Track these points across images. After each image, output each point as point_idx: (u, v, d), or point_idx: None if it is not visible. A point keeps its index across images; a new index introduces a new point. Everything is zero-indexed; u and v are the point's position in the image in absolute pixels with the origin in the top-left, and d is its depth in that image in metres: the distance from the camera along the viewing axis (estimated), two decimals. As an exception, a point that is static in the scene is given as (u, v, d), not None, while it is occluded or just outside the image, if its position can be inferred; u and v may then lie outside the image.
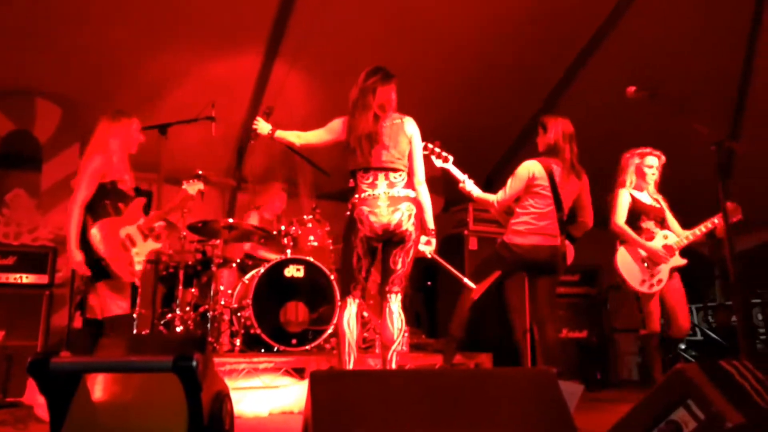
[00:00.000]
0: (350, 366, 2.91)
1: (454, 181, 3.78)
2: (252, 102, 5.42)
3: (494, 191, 3.80)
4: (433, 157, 3.64)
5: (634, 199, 4.00)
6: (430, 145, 3.62)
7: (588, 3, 5.05)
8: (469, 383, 1.42)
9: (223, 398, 1.26)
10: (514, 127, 6.25)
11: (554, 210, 3.60)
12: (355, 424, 1.23)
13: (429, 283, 5.79)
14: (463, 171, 3.77)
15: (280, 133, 3.15)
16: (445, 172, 3.76)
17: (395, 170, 3.05)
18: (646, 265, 3.90)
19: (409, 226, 2.99)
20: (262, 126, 3.16)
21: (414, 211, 3.02)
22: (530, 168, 3.63)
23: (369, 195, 3.00)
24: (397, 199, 2.99)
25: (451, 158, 3.71)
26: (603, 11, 5.17)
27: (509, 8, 4.98)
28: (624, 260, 3.93)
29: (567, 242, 3.67)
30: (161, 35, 4.68)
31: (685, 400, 1.57)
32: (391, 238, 3.01)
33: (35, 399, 3.15)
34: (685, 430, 1.56)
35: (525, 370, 2.23)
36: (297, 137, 3.16)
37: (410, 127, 3.14)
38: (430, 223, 3.15)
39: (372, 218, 2.96)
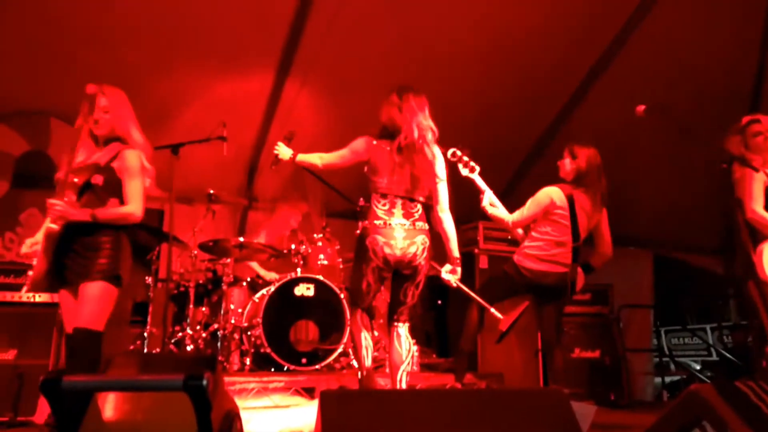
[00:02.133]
0: (368, 362, 2.93)
1: (475, 193, 3.74)
2: (263, 121, 5.47)
3: (512, 201, 3.78)
4: (459, 166, 3.58)
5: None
6: (458, 153, 3.58)
7: (598, 20, 5.07)
8: (480, 403, 1.41)
9: (233, 418, 1.25)
10: (522, 147, 6.26)
11: (570, 239, 3.56)
12: (365, 444, 1.23)
13: (439, 302, 5.77)
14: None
15: (301, 157, 3.11)
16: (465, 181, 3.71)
17: (414, 199, 3.01)
18: None
19: (422, 260, 2.97)
20: (284, 151, 3.13)
21: (427, 244, 3.00)
22: (551, 194, 3.58)
23: (384, 223, 2.94)
24: (413, 232, 2.95)
25: (477, 168, 3.65)
26: (613, 28, 5.19)
27: (518, 25, 5.01)
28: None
29: (579, 269, 3.61)
30: (173, 55, 4.75)
31: (700, 422, 1.55)
32: (402, 270, 2.99)
33: (47, 417, 3.16)
34: (701, 453, 1.54)
35: (536, 390, 2.21)
36: (319, 159, 3.11)
37: (439, 162, 3.08)
38: (455, 252, 3.13)
39: (387, 250, 2.92)
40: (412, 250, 2.93)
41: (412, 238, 2.94)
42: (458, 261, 3.16)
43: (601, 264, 3.75)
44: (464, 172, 3.62)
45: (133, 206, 2.79)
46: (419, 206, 3.04)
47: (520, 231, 3.80)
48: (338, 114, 5.47)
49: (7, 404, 3.56)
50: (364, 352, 2.95)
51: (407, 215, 2.97)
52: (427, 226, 3.04)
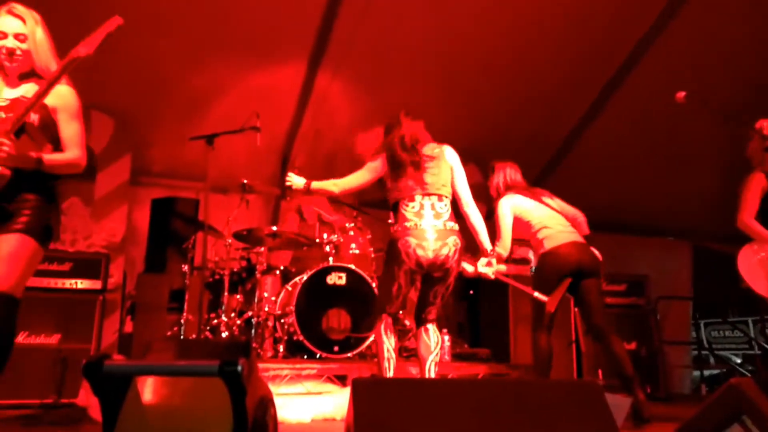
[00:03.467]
0: (390, 372, 2.92)
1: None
2: (296, 112, 5.51)
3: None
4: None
5: None
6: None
7: (632, 9, 4.94)
8: (512, 394, 1.40)
9: (267, 403, 1.28)
10: (554, 139, 6.17)
11: (556, 212, 3.61)
12: (397, 430, 1.23)
13: (471, 292, 5.75)
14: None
15: (315, 185, 3.13)
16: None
17: (440, 197, 3.02)
18: None
19: (453, 263, 2.98)
20: (296, 181, 3.16)
21: (459, 246, 2.99)
22: (503, 203, 3.66)
23: (416, 225, 2.94)
24: (444, 233, 2.95)
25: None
26: (649, 16, 5.05)
27: (550, 15, 4.92)
28: (746, 261, 3.44)
29: (592, 248, 3.60)
30: (207, 47, 4.81)
31: (740, 416, 1.51)
32: (434, 273, 2.99)
33: (89, 400, 3.26)
34: (741, 447, 1.50)
35: (570, 382, 2.19)
36: (334, 185, 3.13)
37: (450, 155, 3.14)
38: (486, 244, 3.13)
39: (420, 252, 2.91)
40: (444, 251, 2.93)
41: (444, 239, 2.94)
42: (493, 253, 3.16)
43: (586, 228, 3.73)
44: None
45: (78, 152, 2.35)
46: (447, 205, 3.05)
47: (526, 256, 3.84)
48: (371, 104, 5.47)
49: (51, 387, 3.69)
50: (386, 364, 2.94)
51: (437, 216, 2.98)
52: (457, 227, 3.04)
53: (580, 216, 3.73)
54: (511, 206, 3.65)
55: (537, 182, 6.49)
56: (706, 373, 6.84)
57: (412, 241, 2.92)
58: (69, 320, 3.93)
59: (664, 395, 5.24)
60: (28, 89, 2.28)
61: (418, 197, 3.00)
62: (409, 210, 2.99)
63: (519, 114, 5.70)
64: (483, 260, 3.16)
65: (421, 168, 3.02)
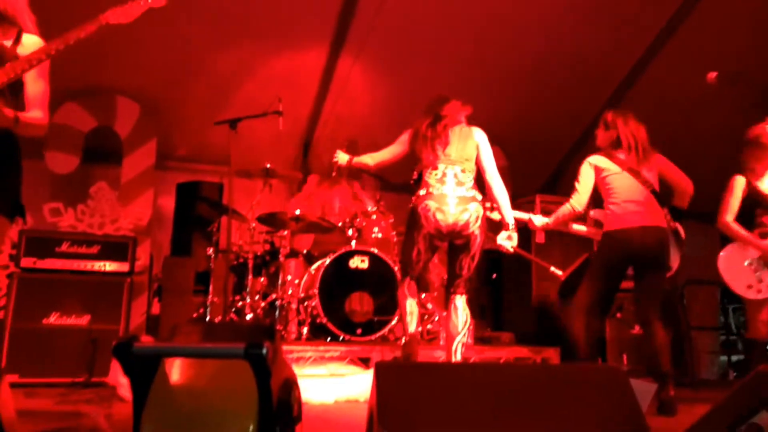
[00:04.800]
0: (413, 326, 3.00)
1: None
2: (318, 95, 5.51)
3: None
4: (487, 213, 3.41)
5: (754, 188, 3.53)
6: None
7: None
8: (537, 378, 1.40)
9: (291, 385, 1.30)
10: (582, 119, 6.06)
11: (640, 191, 3.28)
12: (420, 415, 1.24)
13: (494, 275, 5.73)
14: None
15: (356, 159, 3.40)
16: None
17: (464, 170, 3.06)
18: (753, 267, 3.48)
19: (475, 228, 2.98)
20: (341, 157, 3.41)
21: (481, 213, 3.01)
22: (590, 161, 3.41)
23: (438, 191, 3.00)
24: (465, 199, 2.99)
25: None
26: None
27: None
28: (727, 260, 3.52)
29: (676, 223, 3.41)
30: (231, 32, 4.83)
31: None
32: (455, 240, 3.01)
33: (118, 379, 3.35)
34: (768, 434, 1.48)
35: (594, 367, 2.17)
36: (371, 158, 3.37)
37: (478, 134, 3.19)
38: (509, 217, 3.13)
39: (439, 216, 2.96)
40: (465, 217, 2.95)
41: (465, 204, 2.97)
42: (513, 226, 3.13)
43: (687, 201, 3.48)
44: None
45: (43, 113, 2.06)
46: (471, 176, 3.09)
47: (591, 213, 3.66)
48: (393, 87, 5.45)
49: (82, 366, 3.79)
50: (408, 317, 3.03)
51: (459, 183, 3.03)
52: (480, 197, 3.07)
53: (682, 185, 3.43)
54: (596, 165, 3.37)
55: (564, 163, 6.43)
56: (735, 358, 6.73)
57: (432, 204, 2.97)
58: (98, 302, 4.02)
59: (691, 381, 5.18)
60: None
61: (441, 166, 3.07)
62: (432, 177, 3.05)
63: (546, 95, 5.62)
64: (503, 233, 3.15)
65: (446, 143, 3.10)
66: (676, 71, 5.15)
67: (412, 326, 3.03)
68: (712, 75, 2.88)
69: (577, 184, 3.40)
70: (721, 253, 3.57)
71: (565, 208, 3.40)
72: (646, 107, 5.69)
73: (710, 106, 4.98)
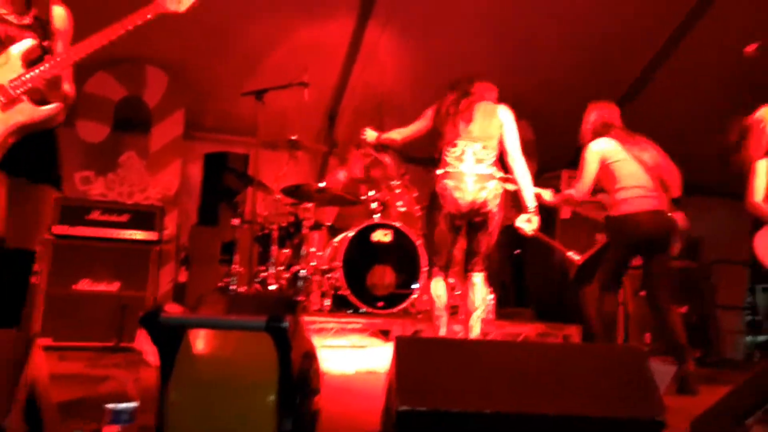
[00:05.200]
0: (443, 329, 3.00)
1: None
2: (344, 65, 5.47)
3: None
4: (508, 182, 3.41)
5: None
6: (501, 174, 3.49)
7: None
8: (554, 357, 1.41)
9: (311, 358, 1.33)
10: (612, 92, 5.90)
11: (643, 175, 3.39)
12: (437, 389, 1.26)
13: (517, 251, 5.71)
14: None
15: (384, 136, 3.45)
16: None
17: (484, 147, 3.03)
18: None
19: (493, 207, 2.97)
20: (370, 134, 3.48)
21: (500, 191, 3.00)
22: (593, 146, 3.45)
23: (455, 170, 2.99)
24: (484, 177, 2.98)
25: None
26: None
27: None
28: (763, 240, 3.51)
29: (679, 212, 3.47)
30: (258, 1, 4.79)
31: (789, 389, 1.48)
32: (474, 218, 3.01)
33: (144, 346, 3.45)
34: (789, 419, 1.47)
35: (613, 347, 2.17)
36: (398, 134, 3.40)
37: (504, 113, 3.13)
38: (529, 201, 3.11)
39: (457, 194, 2.96)
40: (483, 195, 2.95)
41: (483, 182, 2.97)
42: (535, 210, 3.12)
43: (678, 189, 3.53)
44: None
45: (73, 88, 2.20)
46: (491, 155, 3.05)
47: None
48: (421, 56, 5.38)
49: (111, 331, 3.91)
50: (437, 321, 3.03)
51: (478, 161, 3.01)
52: (500, 174, 3.05)
53: (674, 174, 3.51)
54: (601, 153, 3.43)
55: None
56: (762, 338, 6.63)
57: (450, 183, 2.98)
58: (127, 269, 4.12)
59: (715, 360, 5.14)
60: (35, 8, 2.13)
61: (460, 143, 3.04)
62: (450, 155, 3.04)
63: (576, 66, 5.49)
64: (523, 216, 3.14)
65: (469, 120, 3.06)
66: (714, 42, 4.97)
67: (443, 329, 3.02)
68: (752, 47, 2.78)
69: (581, 171, 3.46)
70: (758, 233, 3.53)
71: (566, 193, 3.55)
72: (682, 79, 5.56)
73: (739, 86, 4.82)
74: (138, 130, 5.41)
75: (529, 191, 3.12)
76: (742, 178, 3.56)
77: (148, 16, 2.12)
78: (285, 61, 4.91)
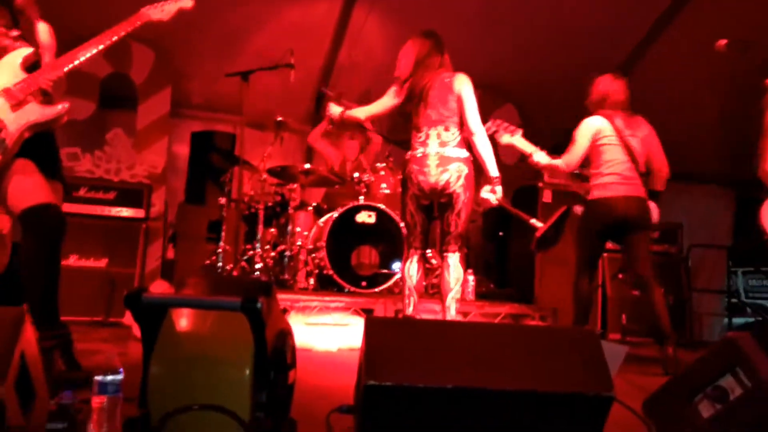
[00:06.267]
0: (410, 309, 3.11)
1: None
2: (331, 47, 5.49)
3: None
4: (500, 130, 3.53)
5: None
6: (498, 121, 3.55)
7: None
8: (513, 337, 1.51)
9: (286, 336, 1.42)
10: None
11: (630, 160, 3.46)
12: (403, 366, 1.36)
13: (501, 233, 5.82)
14: (533, 141, 3.66)
15: (348, 113, 3.43)
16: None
17: (446, 127, 3.10)
18: None
19: (457, 187, 3.05)
20: (334, 110, 3.46)
21: (465, 172, 3.07)
22: (590, 122, 3.51)
23: (420, 153, 3.10)
24: (447, 159, 3.06)
25: (519, 132, 3.59)
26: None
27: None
28: None
29: (650, 201, 3.52)
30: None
31: (734, 368, 1.59)
32: (440, 199, 3.11)
33: (133, 321, 3.53)
34: (731, 396, 1.58)
35: (566, 329, 2.29)
36: (362, 112, 3.42)
37: (458, 83, 3.16)
38: (492, 170, 3.18)
39: (420, 177, 3.07)
40: (445, 177, 3.04)
41: (446, 165, 3.05)
42: (497, 180, 3.20)
43: (662, 185, 3.60)
44: (505, 138, 3.50)
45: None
46: (455, 134, 3.12)
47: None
48: (407, 38, 5.39)
49: (100, 307, 3.99)
50: (406, 300, 3.15)
51: (442, 144, 3.09)
52: (465, 154, 3.12)
53: (662, 166, 3.55)
54: (594, 130, 3.49)
55: (576, 126, 6.40)
56: (742, 321, 6.81)
57: (415, 167, 3.10)
58: (115, 246, 4.20)
59: (690, 342, 5.31)
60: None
61: (424, 128, 3.14)
62: (417, 140, 3.15)
63: (562, 50, 5.54)
64: (486, 187, 3.23)
65: (429, 102, 3.13)
66: (697, 31, 5.03)
67: (410, 308, 3.13)
68: (722, 42, 2.86)
69: (572, 144, 3.53)
70: (765, 203, 3.46)
71: (555, 162, 3.57)
72: (664, 67, 5.63)
73: (723, 73, 4.90)
74: (125, 107, 5.41)
75: (491, 162, 3.17)
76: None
77: (138, 24, 2.31)
78: (272, 42, 4.93)
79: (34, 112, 2.16)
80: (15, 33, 2.28)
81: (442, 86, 3.14)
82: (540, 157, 3.56)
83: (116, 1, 2.38)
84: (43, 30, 2.34)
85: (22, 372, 1.22)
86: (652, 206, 3.54)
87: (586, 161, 3.61)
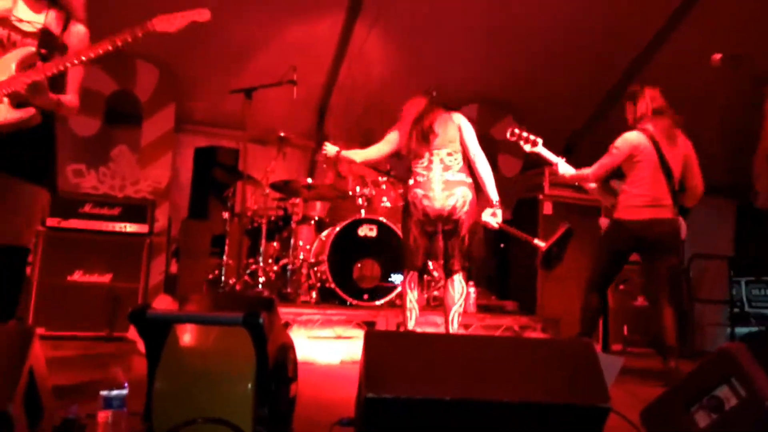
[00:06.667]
0: (411, 323, 3.14)
1: (547, 163, 3.70)
2: (333, 64, 5.55)
3: (574, 157, 3.72)
4: (521, 143, 3.56)
5: None
6: (516, 131, 3.58)
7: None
8: (511, 350, 1.53)
9: (287, 349, 1.45)
10: (597, 93, 6.05)
11: (665, 181, 3.36)
12: (401, 379, 1.39)
13: (502, 245, 5.84)
14: (549, 147, 3.63)
15: (344, 153, 3.50)
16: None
17: (449, 153, 3.17)
18: None
19: (462, 213, 3.11)
20: (330, 149, 3.50)
21: (469, 198, 3.12)
22: (630, 138, 3.40)
23: (424, 178, 3.14)
24: (452, 183, 3.11)
25: (539, 141, 3.59)
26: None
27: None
28: None
29: (680, 218, 3.45)
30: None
31: (729, 378, 1.61)
32: (444, 225, 3.15)
33: (138, 336, 3.56)
34: (727, 406, 1.61)
35: (563, 341, 2.32)
36: (357, 155, 3.48)
37: (457, 117, 3.29)
38: (493, 195, 3.24)
39: (425, 202, 3.10)
40: (451, 202, 3.08)
41: (451, 189, 3.09)
42: (497, 203, 3.25)
43: (694, 202, 3.55)
44: (527, 147, 3.55)
45: (78, 98, 2.30)
46: (458, 159, 3.19)
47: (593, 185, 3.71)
48: (407, 57, 5.48)
49: (104, 321, 4.02)
50: (408, 314, 3.18)
51: (445, 168, 3.14)
52: (469, 180, 3.18)
53: (697, 185, 3.47)
54: (632, 148, 3.37)
55: (578, 137, 6.44)
56: (745, 330, 6.79)
57: (419, 192, 3.13)
58: (119, 261, 4.23)
59: (691, 352, 5.30)
60: (51, 18, 2.22)
61: (426, 154, 3.19)
62: (419, 166, 3.20)
63: (561, 67, 5.60)
64: (488, 210, 3.27)
65: (432, 132, 3.22)
66: (705, 34, 5.07)
67: (411, 322, 3.17)
68: (716, 57, 2.89)
69: (606, 156, 3.44)
70: None
71: (583, 173, 3.52)
72: (667, 78, 5.66)
73: (723, 84, 4.95)
74: (130, 124, 5.48)
75: (491, 186, 3.24)
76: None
77: (139, 34, 2.19)
78: (274, 58, 4.99)
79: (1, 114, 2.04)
80: (33, 28, 2.17)
81: (442, 119, 3.26)
82: (565, 167, 3.55)
83: (130, 11, 2.29)
84: (77, 33, 2.26)
85: (30, 388, 1.25)
86: (682, 222, 3.47)
87: (618, 173, 3.54)
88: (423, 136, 3.19)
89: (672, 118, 3.45)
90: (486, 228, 6.00)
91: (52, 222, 4.10)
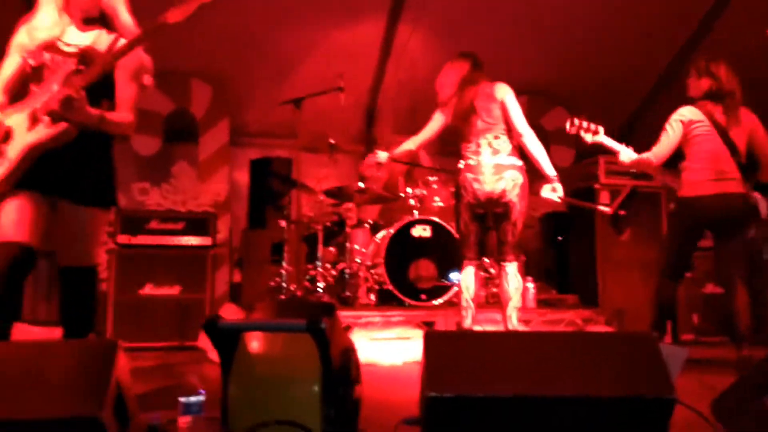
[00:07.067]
0: (468, 321, 3.13)
1: (605, 152, 3.61)
2: (378, 67, 5.62)
3: (630, 141, 3.59)
4: (581, 132, 3.39)
5: None
6: (576, 121, 3.42)
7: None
8: (571, 345, 1.54)
9: (349, 353, 1.51)
10: (649, 74, 5.87)
11: (728, 154, 3.21)
12: (462, 378, 1.42)
13: (560, 238, 5.75)
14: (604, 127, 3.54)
15: (396, 151, 3.52)
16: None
17: (495, 136, 3.14)
18: None
19: (512, 197, 3.07)
20: (381, 155, 3.51)
21: (520, 181, 3.09)
22: (683, 113, 3.28)
23: (474, 162, 3.13)
24: (502, 167, 3.09)
25: (601, 129, 3.44)
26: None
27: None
28: None
29: (756, 194, 3.31)
30: (292, 7, 4.97)
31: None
32: (495, 209, 3.12)
33: (207, 344, 3.72)
34: (801, 395, 1.56)
35: (624, 334, 2.28)
36: (412, 143, 3.46)
37: (500, 91, 3.21)
38: (549, 170, 3.18)
39: (476, 185, 3.10)
40: (501, 185, 3.06)
41: (501, 173, 3.08)
42: (555, 177, 3.19)
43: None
44: (588, 137, 3.37)
45: (132, 116, 2.28)
46: (506, 141, 3.15)
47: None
48: (451, 50, 5.42)
49: (175, 332, 4.22)
50: (463, 313, 3.17)
51: (495, 152, 3.12)
52: (519, 163, 3.14)
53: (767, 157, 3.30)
54: (685, 122, 3.26)
55: (629, 125, 6.27)
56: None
57: (469, 175, 3.13)
58: (186, 273, 4.42)
59: (765, 338, 5.07)
60: (97, 38, 2.21)
61: (474, 138, 3.18)
62: (468, 150, 3.19)
63: (610, 50, 5.47)
64: (547, 186, 3.21)
65: (476, 113, 3.18)
66: (744, 27, 4.87)
67: (468, 320, 3.15)
68: (768, 30, 2.76)
69: (662, 135, 3.32)
70: None
71: (644, 157, 3.35)
72: (725, 54, 5.43)
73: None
74: (187, 141, 5.71)
75: (546, 162, 3.17)
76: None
77: (151, 28, 2.12)
78: (321, 66, 5.10)
79: (37, 133, 2.05)
80: (74, 48, 2.14)
81: (485, 97, 3.21)
82: (627, 154, 3.39)
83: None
84: (104, 41, 2.19)
85: (117, 396, 1.36)
86: (760, 199, 3.32)
87: (680, 153, 3.40)
88: (464, 116, 3.18)
89: (734, 92, 3.31)
90: (542, 220, 5.94)
91: (122, 239, 4.32)
